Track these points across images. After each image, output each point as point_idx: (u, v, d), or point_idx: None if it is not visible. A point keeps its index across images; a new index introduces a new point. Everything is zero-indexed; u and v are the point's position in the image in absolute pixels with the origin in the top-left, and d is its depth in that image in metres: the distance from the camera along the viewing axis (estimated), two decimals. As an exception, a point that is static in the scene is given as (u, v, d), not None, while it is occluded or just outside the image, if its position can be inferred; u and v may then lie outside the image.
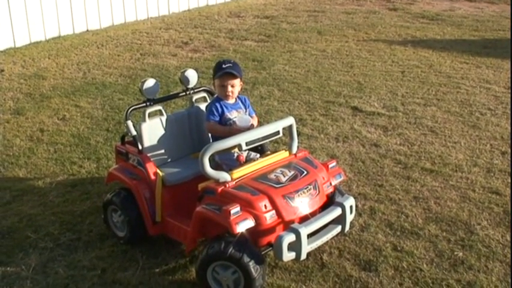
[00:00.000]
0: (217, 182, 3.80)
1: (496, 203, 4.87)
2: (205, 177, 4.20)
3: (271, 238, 3.90)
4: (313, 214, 3.85)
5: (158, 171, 4.22)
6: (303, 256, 3.68)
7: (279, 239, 3.57)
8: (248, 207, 3.64)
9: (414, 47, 9.79)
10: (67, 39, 10.53)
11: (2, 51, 9.85)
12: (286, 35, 10.79)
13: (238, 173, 3.86)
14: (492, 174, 5.36)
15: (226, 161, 4.21)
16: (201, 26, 11.59)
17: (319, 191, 3.93)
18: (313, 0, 14.22)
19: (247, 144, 3.83)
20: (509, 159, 5.64)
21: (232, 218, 3.55)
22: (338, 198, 4.02)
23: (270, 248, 3.86)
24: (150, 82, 4.37)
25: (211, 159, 4.31)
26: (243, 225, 3.57)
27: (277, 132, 4.01)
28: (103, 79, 8.36)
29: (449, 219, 4.64)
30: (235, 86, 4.25)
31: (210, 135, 4.53)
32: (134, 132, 4.28)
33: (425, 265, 4.09)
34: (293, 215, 3.75)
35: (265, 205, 3.66)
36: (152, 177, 4.19)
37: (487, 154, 5.78)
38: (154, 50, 9.86)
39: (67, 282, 4.00)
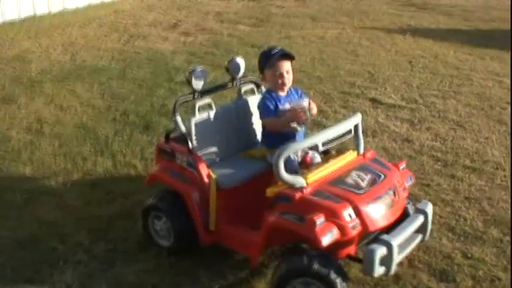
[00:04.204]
0: (292, 187, 3.36)
1: (550, 204, 4.63)
2: (258, 178, 3.81)
3: (351, 250, 3.52)
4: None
5: (211, 173, 3.75)
6: (393, 271, 3.31)
7: (371, 253, 3.18)
8: (332, 216, 3.22)
9: (413, 36, 9.52)
10: (45, 19, 9.80)
11: (-27, 31, 9.06)
12: (279, 20, 10.35)
13: (313, 176, 3.44)
14: (535, 172, 5.13)
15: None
16: (185, 8, 11.01)
17: (399, 197, 3.56)
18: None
19: (323, 144, 3.42)
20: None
21: (317, 229, 3.14)
22: (419, 205, 3.66)
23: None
24: (199, 72, 3.88)
25: (264, 159, 3.94)
26: (329, 238, 3.17)
27: (350, 131, 3.62)
28: (95, 63, 7.76)
29: (507, 221, 4.35)
30: (290, 72, 3.82)
31: (258, 131, 4.15)
32: (184, 129, 3.78)
33: (501, 273, 3.78)
34: (377, 225, 3.37)
35: (349, 214, 3.27)
36: (206, 180, 3.72)
37: (522, 151, 5.55)
38: (142, 32, 9.27)
39: (117, 303, 3.52)
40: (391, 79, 7.45)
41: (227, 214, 3.78)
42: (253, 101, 4.18)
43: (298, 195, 3.31)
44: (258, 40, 9.04)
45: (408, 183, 3.80)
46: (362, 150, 3.79)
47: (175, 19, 10.14)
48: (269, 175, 4.04)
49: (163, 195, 3.90)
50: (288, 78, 3.82)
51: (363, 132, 5.70)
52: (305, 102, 3.61)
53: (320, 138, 3.39)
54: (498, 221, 4.37)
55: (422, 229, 3.57)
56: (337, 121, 6.04)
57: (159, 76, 7.33)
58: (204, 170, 3.74)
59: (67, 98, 6.55)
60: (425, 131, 5.93)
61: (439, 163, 5.28)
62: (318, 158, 3.84)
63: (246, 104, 4.15)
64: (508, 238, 4.16)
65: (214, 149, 3.98)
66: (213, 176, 3.74)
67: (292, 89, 3.94)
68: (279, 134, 3.83)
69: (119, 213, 4.39)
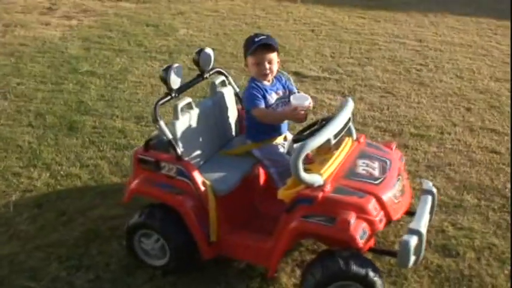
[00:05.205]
0: (311, 187, 3.11)
1: (502, 162, 4.81)
2: (247, 178, 3.57)
3: (371, 242, 3.38)
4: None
5: (205, 180, 3.39)
6: (421, 258, 3.23)
7: (407, 245, 3.03)
8: (360, 212, 3.04)
9: (304, 3, 9.49)
10: None
11: None
12: (162, -6, 9.79)
13: (326, 172, 3.21)
14: (476, 133, 5.31)
15: (271, 155, 3.59)
16: (54, -12, 10.00)
17: (405, 180, 3.48)
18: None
19: (334, 137, 3.20)
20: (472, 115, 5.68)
21: (352, 229, 2.95)
22: (423, 185, 3.58)
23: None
24: (176, 68, 3.43)
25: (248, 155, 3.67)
26: (363, 236, 3.00)
27: (350, 119, 3.44)
28: (-23, 60, 6.76)
29: (476, 186, 4.46)
30: (273, 62, 3.54)
31: (233, 124, 3.88)
32: (170, 135, 3.35)
33: (494, 239, 3.86)
34: (399, 213, 3.27)
35: (375, 207, 3.11)
36: (202, 188, 3.35)
37: (456, 112, 5.73)
38: (19, 20, 8.27)
39: None
40: (303, 50, 7.35)
41: (227, 222, 3.46)
42: (228, 93, 3.85)
43: (320, 195, 3.07)
44: (151, 18, 8.47)
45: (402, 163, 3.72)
46: (355, 136, 3.62)
47: (48, 1, 9.17)
48: (257, 172, 3.81)
49: (151, 211, 3.45)
50: (271, 68, 3.54)
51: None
52: (307, 102, 3.37)
53: (331, 132, 3.16)
54: (468, 186, 4.46)
55: (431, 209, 3.52)
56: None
57: (60, 68, 6.58)
58: (198, 177, 3.35)
59: (-38, 104, 5.65)
60: (359, 102, 5.92)
61: (388, 134, 5.29)
62: None
63: (222, 98, 3.80)
64: (484, 202, 4.27)
65: (198, 151, 3.59)
66: (207, 182, 3.38)
67: (276, 78, 3.67)
68: (266, 126, 3.57)
69: (85, 234, 3.85)
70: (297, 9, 9.17)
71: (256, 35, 3.51)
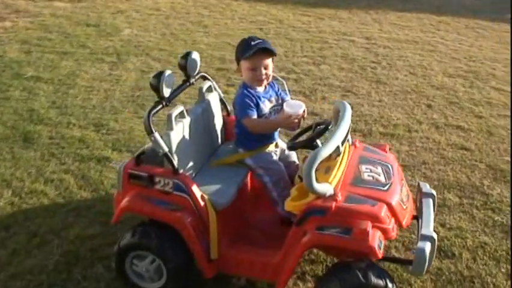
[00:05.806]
0: (322, 197, 2.97)
1: (474, 159, 4.86)
2: (242, 188, 3.41)
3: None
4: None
5: (203, 194, 3.17)
6: (431, 264, 3.16)
7: (423, 253, 2.94)
8: (374, 221, 2.93)
9: (246, 0, 9.32)
10: None
11: None
12: (95, -8, 9.33)
13: (334, 180, 3.08)
14: (442, 130, 5.35)
15: (264, 163, 3.43)
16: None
17: (406, 185, 3.42)
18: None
19: (342, 144, 3.07)
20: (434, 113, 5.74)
21: (371, 239, 2.83)
22: (423, 188, 3.52)
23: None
24: (168, 76, 3.16)
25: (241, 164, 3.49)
26: (380, 245, 2.90)
27: (350, 125, 3.32)
28: None
29: (454, 184, 4.48)
30: (269, 68, 3.37)
31: (219, 132, 3.73)
32: (166, 148, 3.10)
33: (484, 237, 3.87)
34: (407, 220, 3.19)
35: (387, 215, 3.01)
36: (201, 203, 3.12)
37: (418, 110, 5.76)
38: None
39: None
40: (256, 49, 7.18)
41: (226, 237, 3.25)
42: (214, 99, 3.64)
43: (334, 205, 2.93)
44: (90, 18, 8.05)
45: (396, 166, 3.65)
46: (351, 140, 3.52)
47: (-28, 1, 8.55)
48: (247, 181, 3.63)
49: (146, 230, 3.18)
50: (267, 74, 3.36)
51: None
52: (301, 110, 3.23)
53: (339, 139, 3.03)
54: (447, 185, 4.47)
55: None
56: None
57: (2, 74, 6.09)
58: (197, 191, 3.12)
59: None
60: (322, 102, 5.85)
61: (358, 134, 5.24)
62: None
63: (209, 105, 3.58)
64: (466, 200, 4.29)
65: (190, 162, 3.36)
66: (205, 196, 3.17)
67: (269, 84, 3.50)
68: (259, 134, 3.40)
69: (64, 258, 3.51)
70: (240, 6, 9.01)
71: (252, 39, 3.31)
